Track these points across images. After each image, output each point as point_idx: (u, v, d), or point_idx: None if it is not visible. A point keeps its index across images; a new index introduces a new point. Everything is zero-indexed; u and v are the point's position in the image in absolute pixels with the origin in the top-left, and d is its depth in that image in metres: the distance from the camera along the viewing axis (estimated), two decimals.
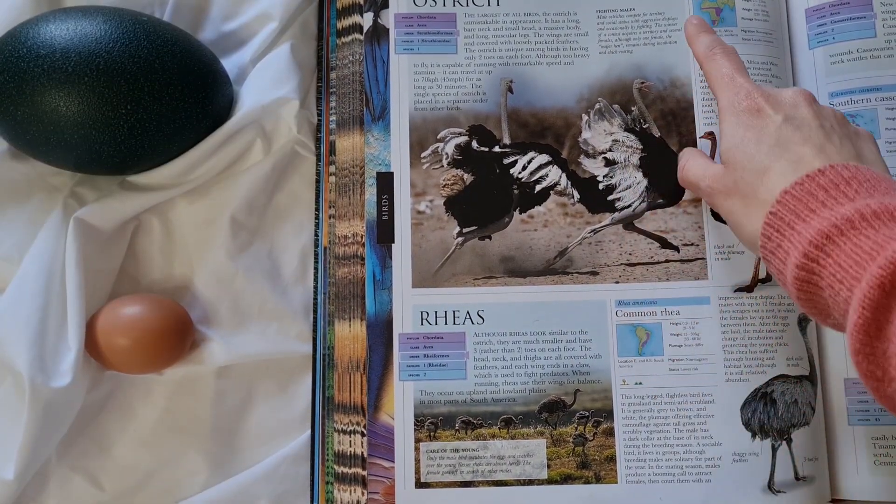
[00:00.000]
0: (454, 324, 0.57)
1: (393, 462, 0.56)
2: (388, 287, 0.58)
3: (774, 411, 0.56)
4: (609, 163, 0.60)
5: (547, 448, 0.56)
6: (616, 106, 0.61)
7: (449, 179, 0.60)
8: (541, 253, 0.59)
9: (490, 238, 0.59)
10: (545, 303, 0.58)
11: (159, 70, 0.56)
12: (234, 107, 0.61)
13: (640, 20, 0.62)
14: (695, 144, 0.60)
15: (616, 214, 0.59)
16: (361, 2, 0.62)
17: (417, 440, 0.56)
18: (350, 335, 0.57)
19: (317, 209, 0.61)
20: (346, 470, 0.56)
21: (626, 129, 0.61)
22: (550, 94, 0.61)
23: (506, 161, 0.60)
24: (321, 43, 0.64)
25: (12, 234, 0.58)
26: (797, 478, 0.55)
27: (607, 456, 0.56)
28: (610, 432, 0.56)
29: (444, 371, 0.57)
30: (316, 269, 0.60)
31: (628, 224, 0.59)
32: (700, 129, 0.60)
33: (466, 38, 0.62)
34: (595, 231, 0.59)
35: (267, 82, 0.61)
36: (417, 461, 0.56)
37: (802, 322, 0.57)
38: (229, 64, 0.62)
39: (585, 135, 0.61)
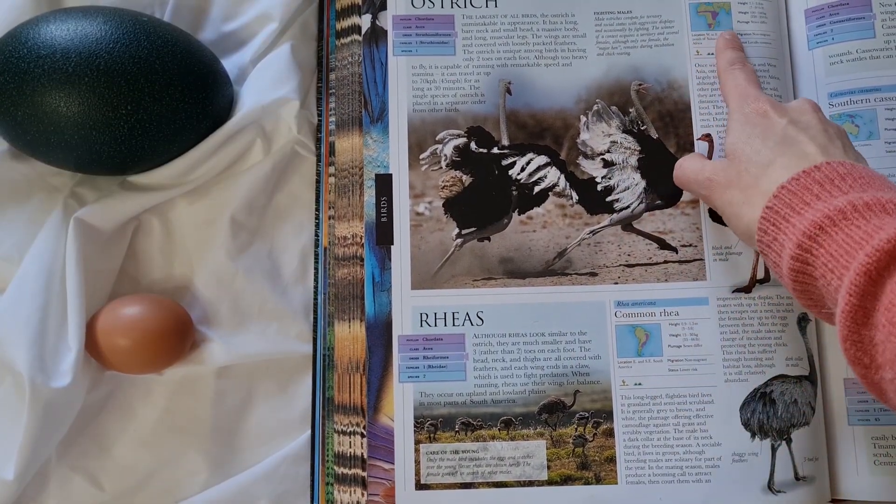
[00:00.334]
0: (453, 325, 0.57)
1: (393, 464, 0.56)
2: (387, 289, 0.58)
3: (774, 411, 0.56)
4: (607, 164, 0.60)
5: (547, 449, 0.56)
6: (614, 107, 0.61)
7: (448, 181, 0.60)
8: (540, 254, 0.59)
9: (489, 239, 0.59)
10: (544, 304, 0.58)
11: (159, 70, 0.56)
12: (234, 107, 0.61)
13: (637, 22, 0.62)
14: (692, 146, 0.60)
15: (615, 215, 0.60)
16: (360, 3, 0.63)
17: (417, 442, 0.56)
18: (350, 336, 0.57)
19: (317, 209, 0.61)
20: (346, 471, 0.56)
21: (624, 131, 0.61)
22: (549, 96, 0.61)
23: (504, 162, 0.60)
24: (321, 43, 0.65)
25: (12, 234, 0.58)
26: (797, 478, 0.55)
27: (607, 457, 0.56)
28: (610, 433, 0.56)
29: (443, 372, 0.57)
30: (316, 269, 0.60)
31: (627, 225, 0.59)
32: (697, 131, 0.60)
33: (465, 40, 0.62)
34: (594, 232, 0.59)
35: (267, 83, 0.61)
36: (417, 463, 0.56)
37: (802, 322, 0.57)
38: (229, 64, 0.63)
39: (584, 136, 0.61)
